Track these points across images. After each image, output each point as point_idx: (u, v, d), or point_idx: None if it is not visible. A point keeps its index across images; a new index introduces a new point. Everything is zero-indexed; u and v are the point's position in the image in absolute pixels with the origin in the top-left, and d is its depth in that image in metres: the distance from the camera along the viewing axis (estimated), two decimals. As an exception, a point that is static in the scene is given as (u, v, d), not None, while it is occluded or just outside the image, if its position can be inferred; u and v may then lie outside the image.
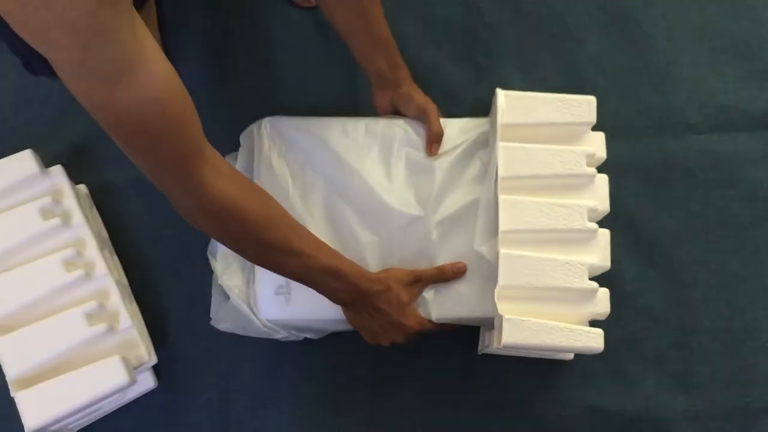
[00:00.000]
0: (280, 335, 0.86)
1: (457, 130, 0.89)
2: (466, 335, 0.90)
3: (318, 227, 0.86)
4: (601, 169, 0.83)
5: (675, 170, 0.97)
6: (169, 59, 0.56)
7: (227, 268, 0.87)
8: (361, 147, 0.88)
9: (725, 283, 0.94)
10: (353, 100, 1.00)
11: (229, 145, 0.92)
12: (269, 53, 1.01)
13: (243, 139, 0.91)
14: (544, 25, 1.03)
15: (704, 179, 0.97)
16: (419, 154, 0.89)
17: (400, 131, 0.89)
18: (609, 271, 0.82)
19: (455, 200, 0.87)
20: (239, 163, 0.90)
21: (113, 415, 0.91)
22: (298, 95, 1.00)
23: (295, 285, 0.84)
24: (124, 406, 0.91)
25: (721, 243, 0.95)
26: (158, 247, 0.96)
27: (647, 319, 0.93)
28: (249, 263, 0.87)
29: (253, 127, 0.90)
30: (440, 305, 0.85)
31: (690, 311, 0.94)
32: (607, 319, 0.79)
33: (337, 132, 0.89)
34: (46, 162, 0.90)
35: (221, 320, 0.87)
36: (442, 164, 0.88)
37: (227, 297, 0.87)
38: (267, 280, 0.85)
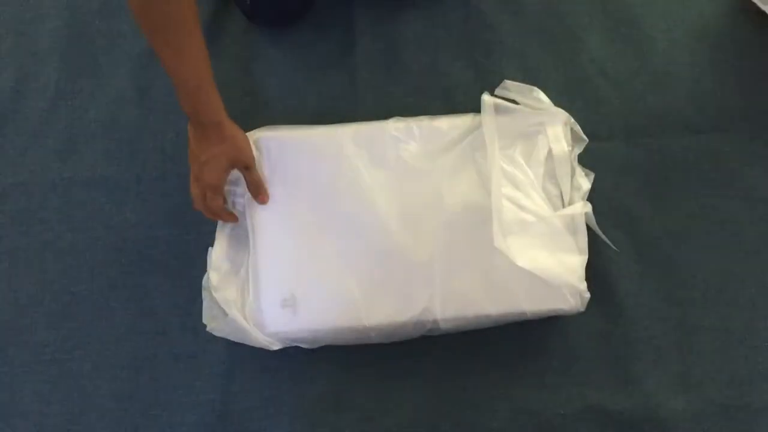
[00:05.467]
0: (276, 347, 0.86)
1: (446, 126, 0.89)
2: (466, 336, 0.90)
3: (311, 239, 0.86)
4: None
5: (675, 170, 0.97)
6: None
7: (222, 280, 0.86)
8: (351, 153, 0.88)
9: (725, 283, 0.94)
10: (352, 106, 1.01)
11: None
12: (261, 62, 1.01)
13: None
14: (545, 25, 1.03)
15: (704, 179, 0.97)
16: (413, 156, 0.88)
17: (392, 134, 0.89)
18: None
19: (454, 202, 0.87)
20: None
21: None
22: (292, 102, 1.00)
23: (302, 296, 0.84)
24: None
25: (721, 243, 0.95)
26: (158, 247, 0.96)
27: (647, 319, 0.93)
28: (244, 276, 0.87)
29: None
30: (446, 306, 0.85)
31: (690, 311, 0.93)
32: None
33: (327, 140, 0.89)
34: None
35: (216, 330, 0.86)
36: (438, 166, 0.88)
37: (218, 304, 0.85)
38: (272, 293, 0.85)
